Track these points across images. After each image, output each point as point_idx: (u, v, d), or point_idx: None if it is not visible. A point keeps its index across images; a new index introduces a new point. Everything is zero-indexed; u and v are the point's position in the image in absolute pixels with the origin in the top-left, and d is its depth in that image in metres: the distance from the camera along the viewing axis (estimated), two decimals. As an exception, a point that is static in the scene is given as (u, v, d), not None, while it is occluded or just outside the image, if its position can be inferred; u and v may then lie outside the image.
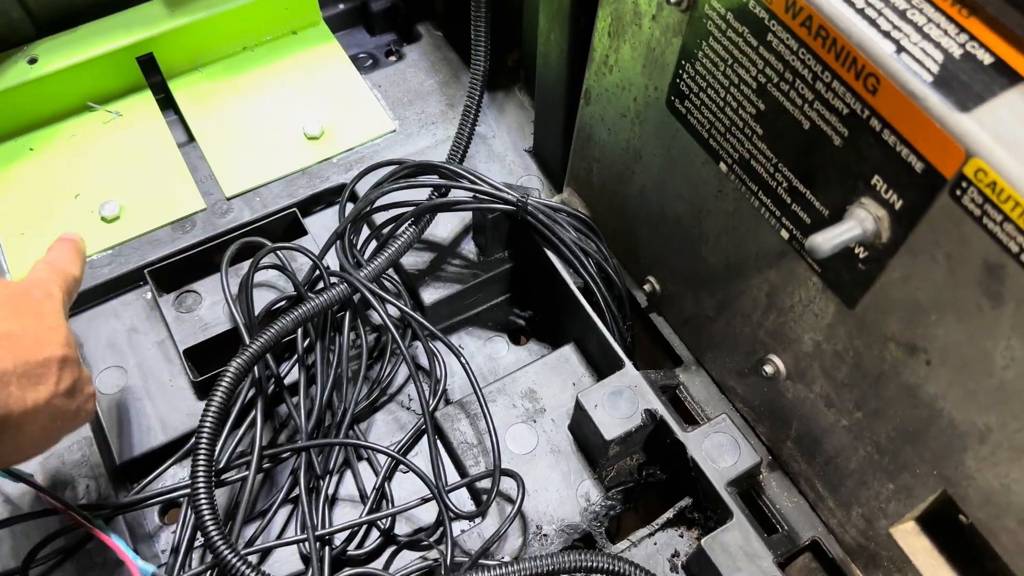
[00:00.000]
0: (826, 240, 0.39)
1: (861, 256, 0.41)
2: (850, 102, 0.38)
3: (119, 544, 0.53)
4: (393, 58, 0.83)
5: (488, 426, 0.57)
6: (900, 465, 0.45)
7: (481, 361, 0.69)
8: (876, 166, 0.39)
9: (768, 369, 0.52)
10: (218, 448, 0.58)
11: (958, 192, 0.35)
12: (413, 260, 0.68)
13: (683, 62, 0.48)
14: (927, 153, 0.36)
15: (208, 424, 0.52)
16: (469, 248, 0.69)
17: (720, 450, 0.54)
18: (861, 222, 0.40)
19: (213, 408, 0.53)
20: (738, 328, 0.54)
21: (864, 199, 0.40)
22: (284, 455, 0.59)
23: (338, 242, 0.64)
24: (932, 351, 0.40)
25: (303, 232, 0.70)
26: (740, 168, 0.47)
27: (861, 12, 0.37)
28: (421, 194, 0.64)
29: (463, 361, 0.59)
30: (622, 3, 0.51)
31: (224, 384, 0.53)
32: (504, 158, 0.75)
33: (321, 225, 0.72)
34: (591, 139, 0.62)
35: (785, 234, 0.46)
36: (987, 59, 0.36)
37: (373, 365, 0.65)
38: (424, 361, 0.65)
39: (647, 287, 0.63)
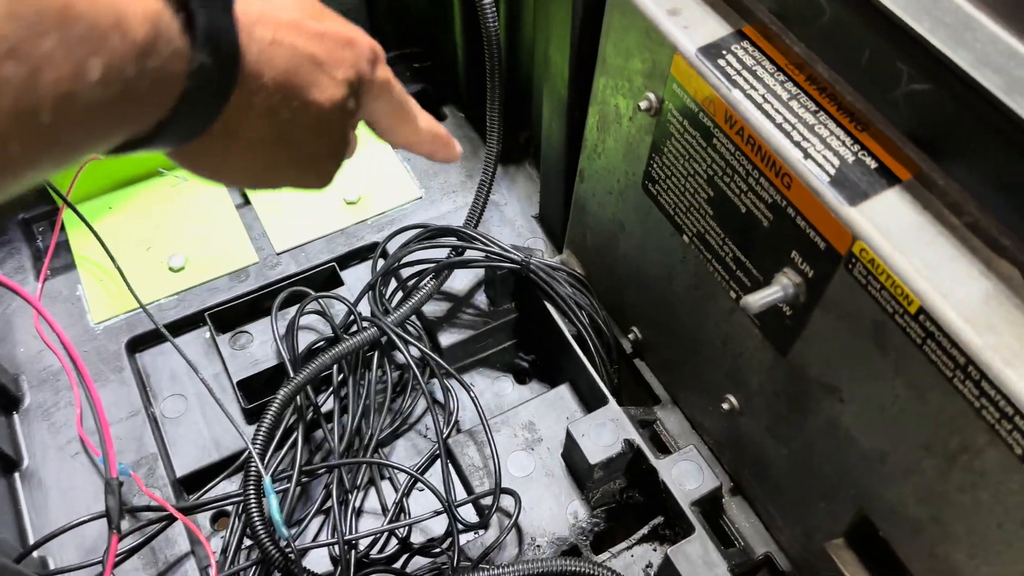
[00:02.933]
0: (755, 300, 0.50)
1: (788, 313, 0.52)
2: (772, 194, 0.49)
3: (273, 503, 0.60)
4: (421, 134, 0.96)
5: (492, 452, 0.68)
6: (828, 486, 0.55)
7: (489, 397, 0.80)
8: (794, 243, 0.49)
9: (725, 406, 0.62)
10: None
11: (850, 266, 0.46)
12: (433, 309, 0.79)
13: (653, 155, 0.59)
14: (827, 235, 0.47)
15: (259, 441, 0.63)
16: (481, 300, 0.80)
17: (687, 475, 0.64)
18: (784, 287, 0.50)
19: (264, 428, 0.64)
20: (703, 372, 0.64)
21: (787, 268, 0.51)
22: (319, 471, 0.69)
23: (370, 292, 0.75)
24: (844, 390, 0.50)
25: (340, 283, 0.81)
26: (698, 240, 0.58)
27: (779, 126, 0.48)
28: (441, 253, 0.76)
29: (473, 396, 0.70)
30: (607, 105, 0.63)
31: (274, 409, 0.64)
32: (514, 223, 0.87)
33: (355, 277, 0.83)
34: (585, 210, 0.73)
35: (733, 295, 0.57)
36: (873, 165, 0.46)
37: (396, 398, 0.76)
38: (440, 396, 0.76)
39: (631, 336, 0.73)
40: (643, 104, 0.57)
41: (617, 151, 0.64)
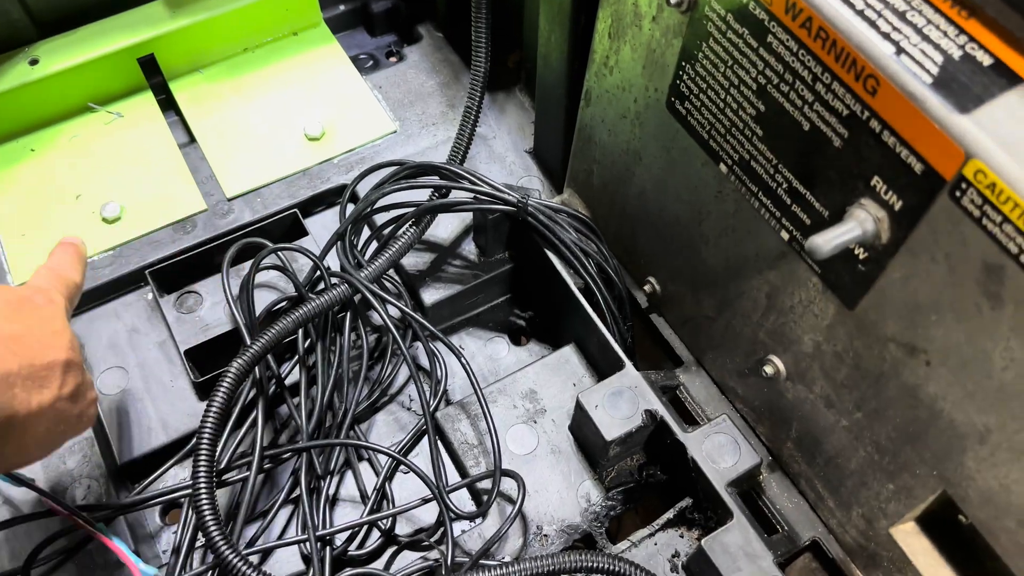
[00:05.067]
0: (826, 241, 0.39)
1: (861, 257, 0.41)
2: (849, 103, 0.38)
3: (119, 546, 0.54)
4: (394, 59, 0.83)
5: (489, 426, 0.57)
6: (900, 465, 0.46)
7: (482, 362, 0.69)
8: (876, 167, 0.39)
9: (768, 370, 0.52)
10: (219, 448, 0.58)
11: (957, 193, 0.35)
12: (413, 261, 0.68)
13: (683, 63, 0.48)
14: (927, 154, 0.36)
15: (209, 424, 0.52)
16: (470, 249, 0.69)
17: (720, 450, 0.54)
18: (861, 223, 0.40)
19: (214, 408, 0.53)
20: (738, 329, 0.54)
21: (864, 200, 0.40)
22: (285, 456, 0.59)
23: (339, 243, 0.64)
24: (932, 352, 0.40)
25: (304, 233, 0.70)
26: (740, 169, 0.47)
27: (861, 14, 0.37)
28: (422, 195, 0.64)
29: (463, 362, 0.59)
30: (622, 4, 0.51)
31: (225, 384, 0.53)
32: (505, 159, 0.75)
33: (322, 225, 0.72)
34: (591, 140, 0.62)
35: (785, 235, 0.46)
36: (986, 60, 0.36)
37: (374, 366, 0.65)
38: (425, 361, 0.65)
39: (647, 288, 0.63)
40: (673, -3, 0.45)
41: (635, 63, 0.52)
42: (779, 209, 0.46)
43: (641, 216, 0.60)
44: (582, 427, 0.57)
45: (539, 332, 0.71)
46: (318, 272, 0.64)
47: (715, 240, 0.53)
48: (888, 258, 0.40)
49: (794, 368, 0.51)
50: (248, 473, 0.56)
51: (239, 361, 0.54)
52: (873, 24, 0.37)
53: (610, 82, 0.56)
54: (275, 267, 0.65)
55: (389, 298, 0.60)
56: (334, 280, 0.61)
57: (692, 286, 0.58)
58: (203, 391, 0.63)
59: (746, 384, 0.56)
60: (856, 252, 0.42)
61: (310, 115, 0.76)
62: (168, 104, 0.78)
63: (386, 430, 0.64)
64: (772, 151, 0.44)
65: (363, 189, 0.67)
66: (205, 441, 0.52)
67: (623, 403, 0.55)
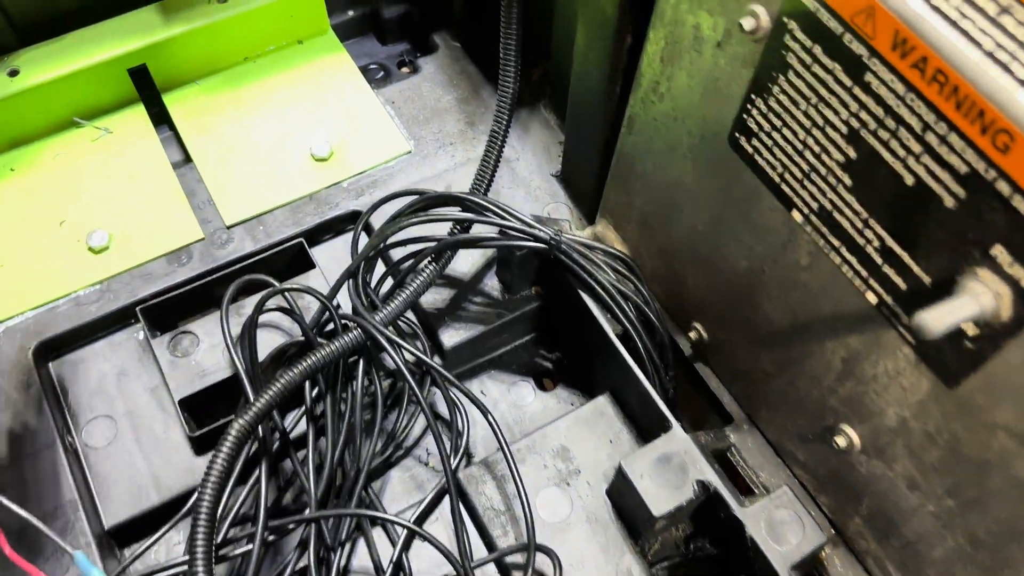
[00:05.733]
0: (937, 319, 0.33)
1: (971, 334, 0.35)
2: (971, 160, 0.32)
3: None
4: (407, 70, 0.77)
5: (519, 491, 0.52)
6: (1001, 563, 0.40)
7: (505, 409, 0.63)
8: (999, 235, 0.33)
9: (840, 441, 0.46)
10: (219, 512, 0.52)
11: (1111, 275, 0.29)
12: (432, 298, 0.62)
13: (753, 96, 0.42)
14: (1071, 226, 0.30)
15: (207, 496, 0.46)
16: (493, 284, 0.63)
17: (782, 528, 0.48)
18: (977, 298, 0.34)
19: (213, 477, 0.47)
20: (803, 391, 0.48)
21: (979, 270, 0.34)
22: (290, 526, 0.53)
23: (350, 281, 0.58)
24: (1055, 447, 0.35)
25: (310, 264, 0.64)
26: (819, 219, 0.41)
27: (991, 55, 0.31)
28: (442, 227, 0.58)
29: (490, 420, 0.53)
30: (680, 27, 0.45)
31: (225, 449, 0.47)
32: (529, 183, 0.69)
33: (330, 256, 0.66)
34: (632, 170, 0.56)
35: (872, 298, 0.40)
36: None
37: (388, 414, 0.59)
38: (443, 408, 0.59)
39: (692, 334, 0.57)
40: (746, 24, 0.39)
41: (692, 91, 0.46)
42: (867, 268, 0.40)
43: (688, 256, 0.54)
44: (624, 497, 0.51)
45: (567, 375, 0.65)
46: (327, 312, 0.58)
47: (780, 293, 0.47)
48: (1007, 338, 0.34)
49: (872, 442, 0.45)
50: (250, 546, 0.50)
51: (240, 422, 0.48)
52: (1007, 68, 0.31)
53: (659, 110, 0.50)
54: (280, 309, 0.59)
55: (405, 344, 0.54)
56: (345, 322, 0.55)
57: (748, 338, 0.52)
58: (200, 445, 0.57)
59: (809, 450, 0.51)
60: (965, 328, 0.36)
61: (317, 133, 0.69)
62: (161, 119, 0.71)
63: (401, 488, 0.58)
64: (862, 203, 0.38)
65: (377, 220, 0.61)
66: (203, 515, 0.46)
67: (671, 472, 0.49)
